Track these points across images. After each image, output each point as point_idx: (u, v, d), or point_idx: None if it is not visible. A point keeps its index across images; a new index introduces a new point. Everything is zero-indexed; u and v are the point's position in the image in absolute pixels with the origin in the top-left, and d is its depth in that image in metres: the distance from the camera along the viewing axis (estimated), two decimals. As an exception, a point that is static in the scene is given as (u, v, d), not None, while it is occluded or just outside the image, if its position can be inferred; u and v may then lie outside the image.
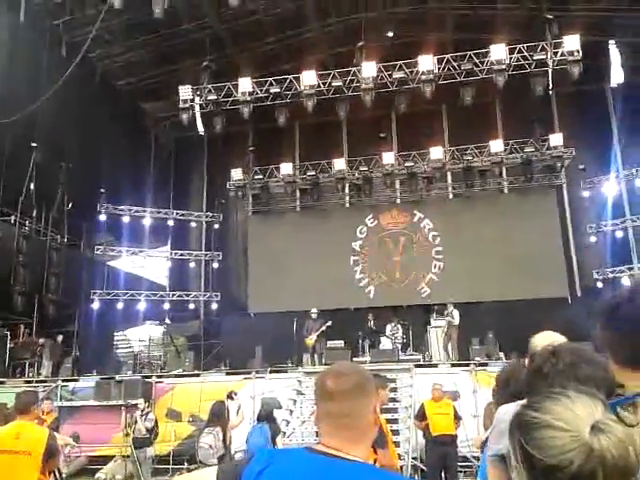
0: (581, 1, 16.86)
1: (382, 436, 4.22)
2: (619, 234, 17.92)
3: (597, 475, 0.82)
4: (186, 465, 10.93)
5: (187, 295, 20.29)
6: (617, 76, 17.25)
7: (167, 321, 19.71)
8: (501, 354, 13.54)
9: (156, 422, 10.30)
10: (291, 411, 11.52)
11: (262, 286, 19.08)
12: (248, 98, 16.84)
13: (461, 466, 9.68)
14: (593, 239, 17.97)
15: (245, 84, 16.85)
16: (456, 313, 13.56)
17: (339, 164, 18.78)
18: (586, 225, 18.18)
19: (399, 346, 14.06)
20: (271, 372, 13.04)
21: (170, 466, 11.37)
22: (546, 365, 1.63)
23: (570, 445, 0.84)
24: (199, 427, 10.39)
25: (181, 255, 20.67)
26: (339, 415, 1.52)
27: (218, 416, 8.99)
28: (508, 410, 2.93)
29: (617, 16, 17.02)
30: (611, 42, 18.11)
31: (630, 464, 0.84)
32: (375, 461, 4.09)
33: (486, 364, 12.01)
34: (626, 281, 17.25)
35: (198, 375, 13.58)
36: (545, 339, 2.28)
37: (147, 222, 19.91)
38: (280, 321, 15.97)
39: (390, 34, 19.12)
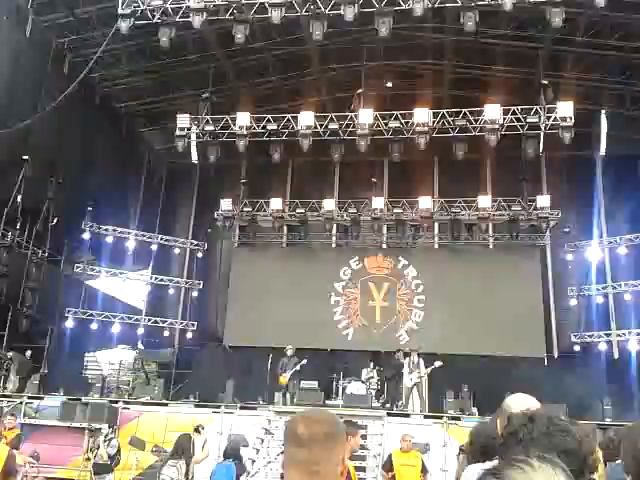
0: (576, 70, 17.43)
1: (350, 484, 4.16)
2: (599, 299, 18.10)
3: None
4: (145, 497, 10.62)
5: (163, 322, 20.01)
6: (604, 146, 17.74)
7: (140, 346, 19.38)
8: (474, 409, 13.45)
9: (119, 449, 10.05)
10: (257, 450, 11.29)
11: (240, 319, 18.93)
12: (245, 132, 17.00)
13: (426, 521, 9.48)
14: (574, 302, 18.10)
15: (243, 118, 17.03)
16: (422, 363, 13.49)
17: (329, 204, 18.92)
18: (567, 288, 18.35)
19: (373, 392, 13.92)
20: (241, 408, 12.81)
21: (128, 496, 11.04)
22: (522, 430, 1.63)
23: None
24: (162, 458, 10.15)
25: (161, 280, 20.44)
26: (307, 462, 1.51)
27: (183, 449, 8.80)
28: (474, 471, 2.92)
29: (609, 87, 17.61)
30: (602, 111, 18.69)
31: None
32: (340, 509, 4.01)
33: (459, 418, 11.91)
34: (603, 347, 17.37)
35: (166, 405, 13.30)
36: (519, 402, 2.29)
37: (130, 244, 19.74)
38: (254, 356, 15.79)
39: (389, 84, 19.58)
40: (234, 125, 17.09)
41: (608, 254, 18.45)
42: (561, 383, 14.90)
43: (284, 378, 13.66)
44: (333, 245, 20.35)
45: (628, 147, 19.01)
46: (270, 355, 14.35)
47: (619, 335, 17.45)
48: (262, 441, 11.48)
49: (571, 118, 15.69)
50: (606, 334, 17.57)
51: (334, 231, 19.92)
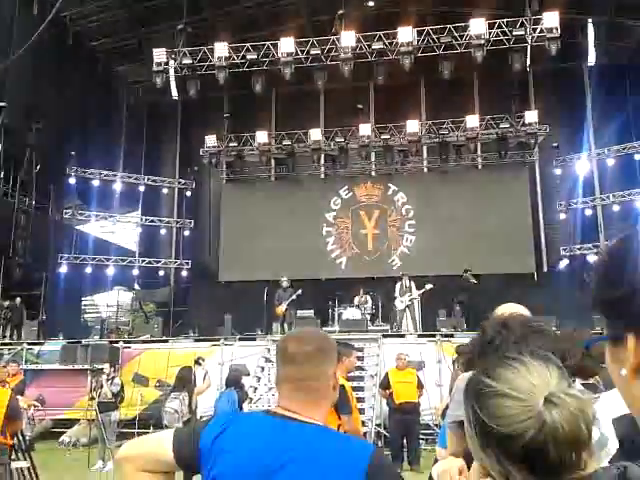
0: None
1: (347, 402, 4.27)
2: (588, 212, 18.23)
3: (549, 447, 0.84)
4: (152, 429, 10.96)
5: (157, 262, 20.11)
6: (593, 56, 17.33)
7: (136, 287, 19.56)
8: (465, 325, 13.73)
9: (122, 387, 10.29)
10: (259, 378, 11.60)
11: (234, 254, 19.03)
12: (224, 63, 16.51)
13: (423, 433, 9.89)
14: (563, 216, 18.23)
15: (221, 49, 16.50)
16: (413, 286, 13.69)
17: (315, 134, 18.65)
18: (556, 202, 18.41)
19: (368, 317, 14.20)
20: (240, 339, 13.08)
21: (135, 430, 11.37)
22: (497, 337, 1.64)
23: (523, 415, 0.85)
24: (166, 392, 10.42)
25: (151, 221, 20.40)
26: (299, 378, 1.53)
27: (185, 381, 9.01)
28: (465, 378, 2.98)
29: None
30: (589, 21, 18.15)
31: (581, 438, 0.85)
32: (339, 426, 4.15)
33: (452, 335, 12.21)
34: (592, 258, 17.63)
35: (166, 341, 13.56)
36: (507, 311, 2.31)
37: (118, 187, 19.55)
38: (250, 290, 15.97)
39: (371, 3, 18.90)
40: (212, 57, 16.59)
41: (596, 166, 18.44)
42: (551, 296, 15.20)
43: (280, 309, 13.89)
44: (322, 175, 20.21)
45: (614, 56, 18.63)
46: (266, 288, 14.52)
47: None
48: (262, 369, 11.77)
49: (557, 29, 15.31)
50: (595, 246, 17.79)
51: (322, 161, 19.75)
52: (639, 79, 17.69)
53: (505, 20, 15.70)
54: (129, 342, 13.57)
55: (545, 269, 18.46)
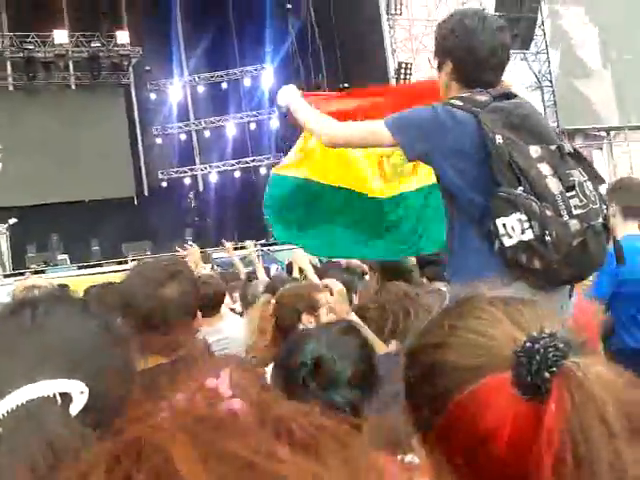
0: None
1: None
2: (183, 137, 18.95)
3: None
4: None
5: None
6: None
7: None
8: (65, 256, 13.11)
9: None
10: None
11: None
12: None
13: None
14: (159, 141, 18.52)
15: None
16: None
17: None
18: (152, 127, 18.58)
19: None
20: None
21: None
22: None
23: None
24: None
25: None
26: None
27: None
28: None
29: None
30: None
31: None
32: None
33: (43, 271, 11.43)
34: (188, 181, 18.61)
35: None
36: None
37: None
38: None
39: None
40: None
41: (189, 92, 19.12)
42: (151, 219, 15.68)
43: None
44: None
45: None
46: None
47: (202, 169, 18.89)
48: None
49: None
50: (190, 169, 18.79)
51: None
52: (225, 6, 18.67)
53: None
54: None
55: (146, 193, 18.67)
